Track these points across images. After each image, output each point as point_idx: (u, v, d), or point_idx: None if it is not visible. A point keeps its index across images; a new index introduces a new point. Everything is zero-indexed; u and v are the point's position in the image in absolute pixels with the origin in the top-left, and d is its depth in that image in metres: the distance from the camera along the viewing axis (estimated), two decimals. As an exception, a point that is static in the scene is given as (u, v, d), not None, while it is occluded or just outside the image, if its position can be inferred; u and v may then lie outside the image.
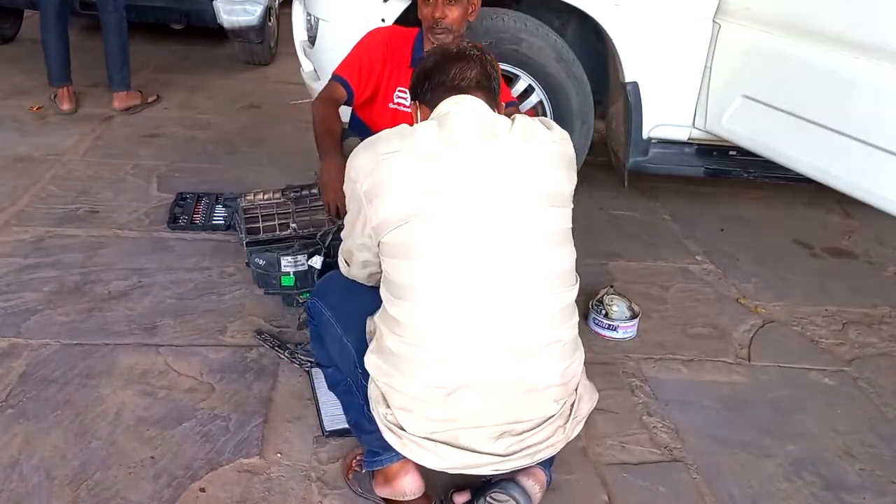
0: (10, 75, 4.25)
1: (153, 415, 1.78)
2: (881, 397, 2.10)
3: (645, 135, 2.86)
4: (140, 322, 2.12)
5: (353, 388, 1.61)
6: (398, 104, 2.31)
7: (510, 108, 2.28)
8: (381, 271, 1.49)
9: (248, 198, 2.37)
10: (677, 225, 3.08)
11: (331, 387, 1.78)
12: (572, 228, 1.50)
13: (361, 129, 2.36)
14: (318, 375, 1.89)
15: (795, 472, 1.79)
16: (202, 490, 1.58)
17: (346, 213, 1.56)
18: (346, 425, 1.70)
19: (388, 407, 1.43)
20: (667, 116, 2.85)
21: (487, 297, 1.36)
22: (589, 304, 2.30)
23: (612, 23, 2.69)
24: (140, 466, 1.62)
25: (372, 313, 1.52)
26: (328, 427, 1.76)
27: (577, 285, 1.48)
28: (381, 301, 1.47)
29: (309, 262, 2.11)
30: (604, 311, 2.25)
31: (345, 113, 2.32)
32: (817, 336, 2.38)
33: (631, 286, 2.53)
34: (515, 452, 1.41)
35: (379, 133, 1.47)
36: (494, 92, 1.53)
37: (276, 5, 5.03)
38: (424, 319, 1.37)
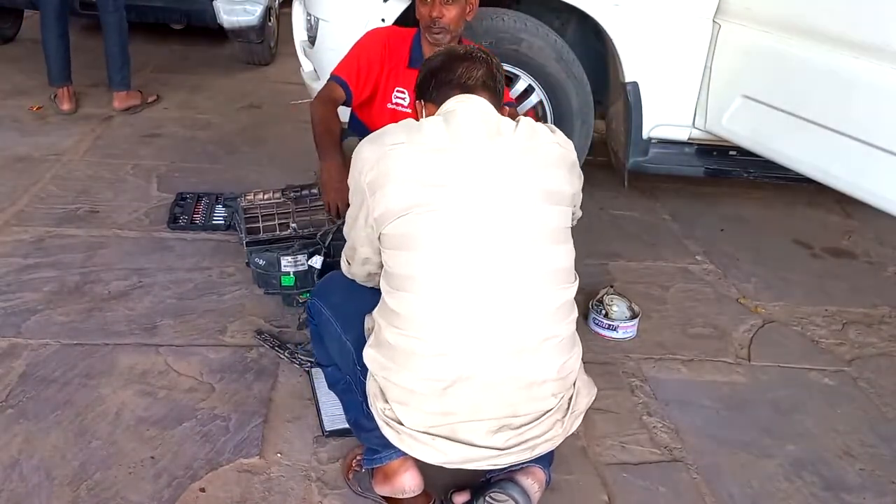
0: (10, 75, 4.25)
1: (153, 415, 1.78)
2: (881, 397, 2.10)
3: (645, 135, 2.86)
4: (140, 322, 2.12)
5: (352, 385, 1.62)
6: (396, 104, 2.31)
7: (509, 109, 2.29)
8: (380, 272, 1.50)
9: (248, 198, 2.37)
10: (677, 225, 3.08)
11: (330, 385, 1.79)
12: (573, 228, 1.51)
13: (360, 129, 2.36)
14: (318, 375, 1.89)
15: (795, 472, 1.79)
16: (202, 490, 1.58)
17: (346, 210, 1.57)
18: (346, 425, 1.70)
19: (386, 401, 1.43)
20: (667, 116, 2.85)
21: (486, 291, 1.37)
22: (589, 304, 2.30)
23: (612, 23, 2.69)
24: (140, 466, 1.62)
25: (371, 311, 1.52)
26: (328, 427, 1.76)
27: (577, 283, 1.48)
28: (375, 312, 1.48)
29: (309, 262, 2.11)
30: (604, 311, 2.25)
31: (344, 113, 2.33)
32: (817, 336, 2.38)
33: (631, 286, 2.53)
34: (514, 446, 1.41)
35: (385, 126, 1.48)
36: (499, 94, 1.55)
37: (276, 5, 5.03)
38: (423, 311, 1.38)
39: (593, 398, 1.58)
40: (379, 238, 1.44)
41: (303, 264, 2.12)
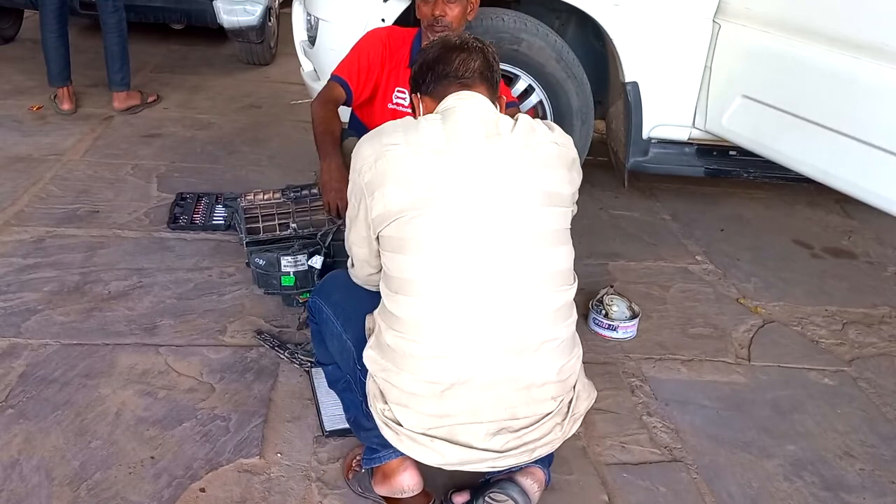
0: (10, 75, 4.25)
1: (153, 415, 1.78)
2: (881, 397, 2.10)
3: (645, 135, 2.86)
4: (140, 322, 2.12)
5: (351, 384, 1.62)
6: (397, 104, 2.31)
7: (510, 109, 2.29)
8: (379, 274, 1.51)
9: (248, 198, 2.37)
10: (677, 225, 3.08)
11: (331, 384, 1.79)
12: (572, 228, 1.50)
13: (360, 129, 2.36)
14: (319, 375, 1.89)
15: (795, 472, 1.79)
16: (202, 490, 1.58)
17: (346, 211, 1.57)
18: (347, 425, 1.70)
19: (386, 402, 1.43)
20: (667, 116, 2.85)
21: (485, 294, 1.36)
22: (589, 304, 2.30)
23: (612, 23, 2.69)
24: (140, 466, 1.62)
25: (371, 311, 1.52)
26: (328, 427, 1.76)
27: (576, 285, 1.48)
28: (376, 314, 1.48)
29: (309, 262, 2.11)
30: (604, 311, 2.25)
31: (344, 113, 2.32)
32: (817, 336, 2.38)
33: (631, 286, 2.53)
34: (513, 449, 1.41)
35: (385, 124, 1.48)
36: (496, 84, 1.54)
37: (276, 5, 5.03)
38: (422, 315, 1.38)
39: (593, 401, 1.57)
40: (377, 240, 1.44)
41: (303, 264, 2.12)
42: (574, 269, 1.50)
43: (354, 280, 1.65)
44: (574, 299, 1.48)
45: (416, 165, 1.38)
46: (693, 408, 1.98)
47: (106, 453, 1.65)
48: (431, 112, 1.49)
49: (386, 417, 1.43)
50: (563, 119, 2.87)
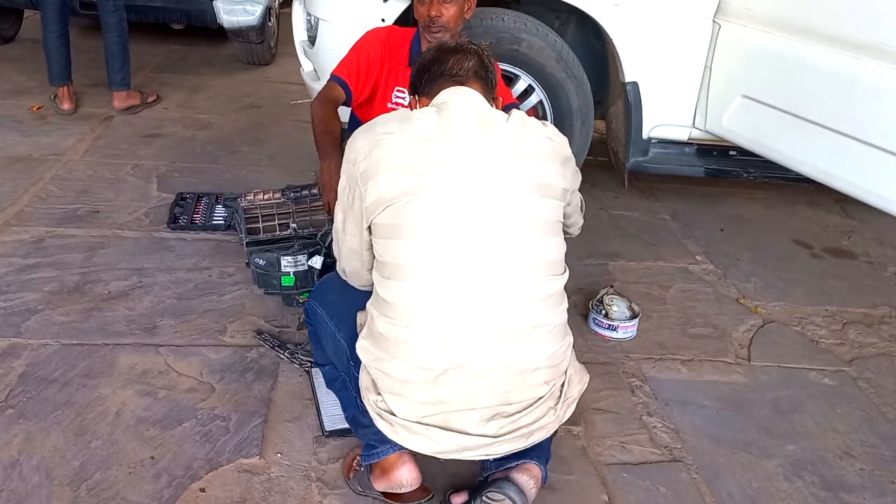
0: (10, 75, 4.25)
1: (153, 415, 1.78)
2: (881, 397, 2.10)
3: (645, 135, 2.86)
4: (140, 322, 2.12)
5: (347, 382, 1.63)
6: (396, 104, 2.31)
7: (511, 109, 2.29)
8: (368, 268, 1.53)
9: (248, 198, 2.37)
10: (677, 225, 3.08)
11: (328, 383, 1.80)
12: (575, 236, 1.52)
13: (361, 129, 2.36)
14: (318, 375, 1.89)
15: (795, 472, 1.79)
16: (202, 490, 1.58)
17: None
18: (346, 425, 1.70)
19: (379, 393, 1.44)
20: (667, 116, 2.85)
21: (477, 279, 1.38)
22: (589, 304, 2.30)
23: (612, 23, 2.69)
24: (140, 466, 1.62)
25: (363, 309, 1.53)
26: (328, 427, 1.76)
27: (566, 275, 1.50)
28: (368, 303, 1.49)
29: (309, 263, 2.11)
30: (604, 311, 2.25)
31: (344, 113, 2.32)
32: (817, 336, 2.38)
33: (631, 286, 2.53)
34: (507, 433, 1.42)
35: (378, 117, 1.51)
36: (492, 85, 1.57)
37: (276, 5, 5.03)
38: (414, 300, 1.39)
39: (585, 385, 1.58)
40: (370, 229, 1.45)
41: (303, 264, 2.13)
42: (572, 269, 1.52)
43: (346, 279, 1.66)
44: (572, 299, 1.49)
45: (409, 153, 1.40)
46: (693, 408, 1.98)
47: (106, 453, 1.65)
48: None
49: (379, 408, 1.44)
50: (563, 119, 2.87)
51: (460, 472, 1.62)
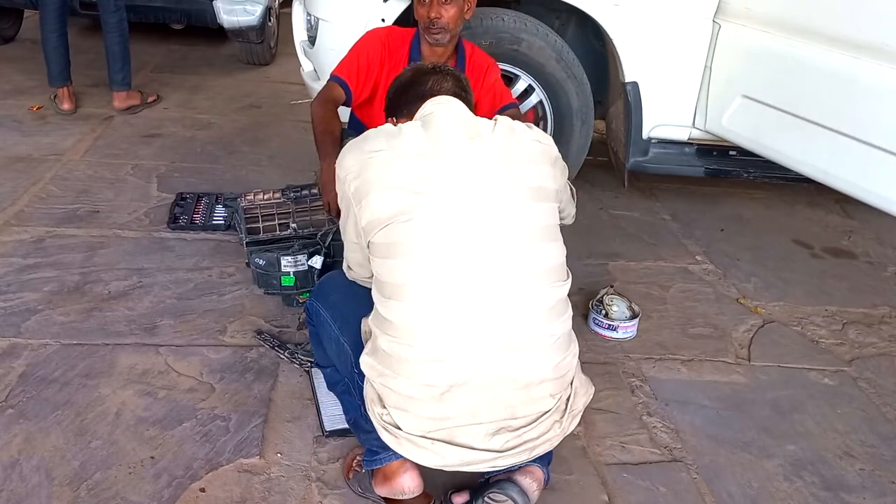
0: (10, 75, 4.25)
1: (153, 415, 1.78)
2: (881, 397, 2.10)
3: (645, 135, 2.86)
4: (140, 322, 2.12)
5: (350, 388, 1.62)
6: (398, 104, 2.30)
7: (511, 110, 2.29)
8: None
9: (248, 198, 2.37)
10: (677, 225, 3.08)
11: (330, 386, 1.79)
12: (570, 228, 1.51)
13: (360, 129, 2.35)
14: (318, 375, 1.89)
15: (795, 472, 1.79)
16: (202, 490, 1.58)
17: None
18: (346, 425, 1.71)
19: (384, 407, 1.43)
20: (667, 116, 2.85)
21: (478, 294, 1.37)
22: (589, 304, 2.30)
23: (612, 23, 2.69)
24: (140, 466, 1.62)
25: (367, 314, 1.52)
26: (328, 427, 1.76)
27: (570, 280, 1.49)
28: (370, 320, 1.49)
29: (309, 263, 2.12)
30: (604, 311, 2.25)
31: (344, 113, 2.32)
32: (817, 336, 2.38)
33: (631, 286, 2.53)
34: (512, 448, 1.41)
35: (366, 132, 1.50)
36: (469, 105, 1.57)
37: (276, 5, 5.03)
38: (415, 319, 1.38)
39: (591, 397, 1.58)
40: (368, 246, 1.44)
41: (303, 264, 2.13)
42: (573, 269, 1.51)
43: (352, 279, 1.66)
44: (572, 299, 1.49)
45: (400, 171, 1.39)
46: (693, 408, 1.98)
47: (106, 453, 1.65)
48: None
49: (384, 422, 1.43)
50: (563, 119, 2.87)
51: (461, 472, 1.62)
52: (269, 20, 4.72)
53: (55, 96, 3.71)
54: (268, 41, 4.82)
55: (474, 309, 1.36)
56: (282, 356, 2.01)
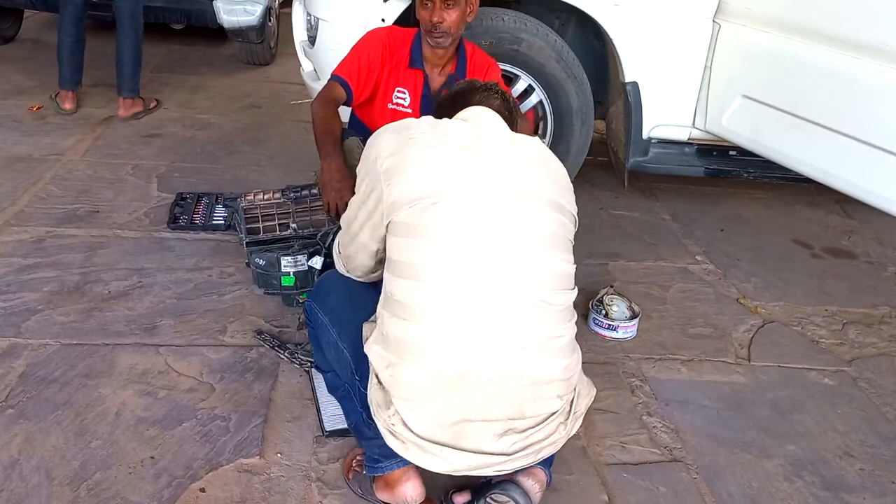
0: (10, 75, 4.25)
1: (153, 415, 1.78)
2: (881, 397, 2.10)
3: (645, 135, 2.87)
4: (140, 322, 2.12)
5: (350, 393, 1.61)
6: (397, 104, 2.31)
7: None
8: (375, 263, 1.54)
9: (248, 198, 2.37)
10: (677, 225, 3.08)
11: (330, 390, 1.78)
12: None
13: (360, 129, 2.36)
14: (319, 376, 1.88)
15: (795, 472, 1.79)
16: (202, 490, 1.58)
17: (345, 209, 1.59)
18: (346, 425, 1.70)
19: (390, 407, 1.40)
20: (667, 116, 2.85)
21: (492, 285, 1.37)
22: (589, 304, 2.30)
23: (612, 23, 2.69)
24: (140, 466, 1.62)
25: (366, 318, 1.52)
26: (328, 427, 1.76)
27: (576, 291, 1.51)
28: (378, 307, 1.47)
29: (309, 263, 2.11)
30: (604, 311, 2.25)
31: (344, 113, 2.33)
32: (817, 336, 2.38)
33: (631, 286, 2.53)
34: (519, 451, 1.40)
35: (406, 120, 1.54)
36: (511, 125, 1.60)
37: (276, 5, 5.03)
38: (429, 299, 1.37)
39: (592, 398, 1.58)
40: (387, 227, 1.44)
41: (303, 264, 2.13)
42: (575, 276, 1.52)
43: (348, 274, 1.65)
44: (573, 304, 1.49)
45: (441, 155, 1.42)
46: (693, 408, 1.99)
47: (106, 453, 1.65)
48: None
49: (391, 425, 1.40)
50: (563, 119, 2.87)
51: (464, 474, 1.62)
52: (269, 20, 4.72)
53: (56, 95, 3.71)
54: (268, 41, 4.82)
55: (487, 299, 1.37)
56: (282, 356, 2.01)
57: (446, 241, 1.37)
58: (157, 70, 4.65)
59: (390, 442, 1.42)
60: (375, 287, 1.55)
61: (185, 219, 2.69)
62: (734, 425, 1.94)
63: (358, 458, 1.62)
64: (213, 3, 4.29)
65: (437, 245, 1.37)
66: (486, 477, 1.53)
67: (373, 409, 1.45)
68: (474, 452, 1.39)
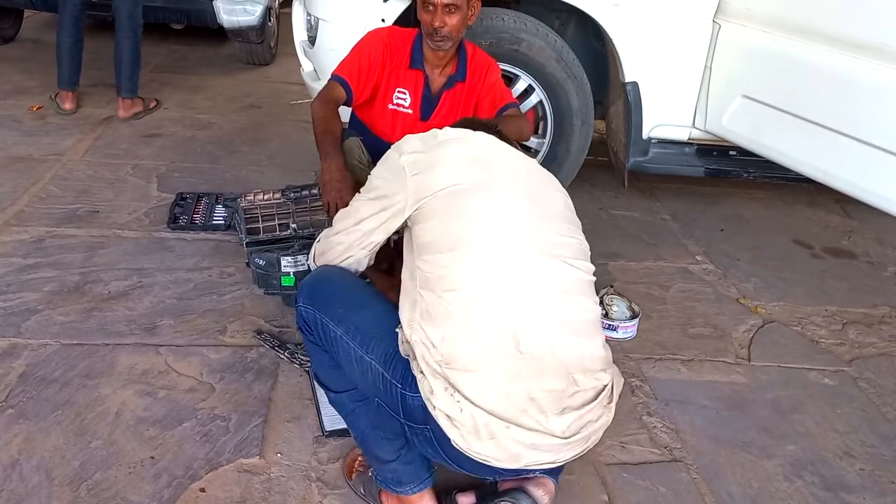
0: (10, 75, 4.25)
1: (153, 415, 1.78)
2: (881, 397, 2.10)
3: (645, 135, 2.87)
4: (140, 322, 2.12)
5: (364, 411, 1.49)
6: (397, 105, 2.30)
7: (511, 110, 2.29)
8: (359, 251, 1.55)
9: (248, 198, 2.37)
10: (677, 225, 3.08)
11: (340, 412, 1.60)
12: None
13: (360, 129, 2.36)
14: (319, 375, 1.88)
15: (795, 472, 1.79)
16: (202, 490, 1.58)
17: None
18: (346, 425, 1.69)
19: (447, 388, 1.29)
20: (667, 116, 2.85)
21: (534, 247, 1.40)
22: (589, 304, 2.29)
23: (612, 23, 2.69)
24: (140, 466, 1.62)
25: (379, 320, 1.44)
26: (328, 427, 1.76)
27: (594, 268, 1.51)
28: (387, 306, 1.46)
29: (309, 263, 2.11)
30: (604, 311, 2.25)
31: (344, 113, 2.32)
32: (817, 336, 2.38)
33: (631, 286, 2.53)
34: (575, 434, 1.33)
35: (433, 129, 1.59)
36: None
37: (276, 5, 5.03)
38: (474, 265, 1.35)
39: (621, 387, 1.50)
40: (410, 217, 1.44)
41: (303, 264, 2.12)
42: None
43: (313, 265, 1.65)
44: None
45: (472, 153, 1.50)
46: (693, 408, 1.99)
47: (106, 453, 1.65)
48: None
49: (452, 404, 1.29)
50: (563, 119, 2.87)
51: (466, 475, 1.61)
52: (269, 20, 4.72)
53: (56, 95, 3.71)
54: (268, 41, 4.82)
55: (530, 260, 1.38)
56: (282, 356, 2.01)
57: (486, 215, 1.40)
58: (156, 70, 4.65)
59: (447, 429, 1.30)
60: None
61: (185, 219, 2.69)
62: (734, 425, 1.94)
63: (359, 458, 1.62)
64: (213, 3, 4.29)
65: (476, 216, 1.40)
66: (494, 479, 1.51)
67: (429, 399, 1.32)
68: (536, 431, 1.30)
